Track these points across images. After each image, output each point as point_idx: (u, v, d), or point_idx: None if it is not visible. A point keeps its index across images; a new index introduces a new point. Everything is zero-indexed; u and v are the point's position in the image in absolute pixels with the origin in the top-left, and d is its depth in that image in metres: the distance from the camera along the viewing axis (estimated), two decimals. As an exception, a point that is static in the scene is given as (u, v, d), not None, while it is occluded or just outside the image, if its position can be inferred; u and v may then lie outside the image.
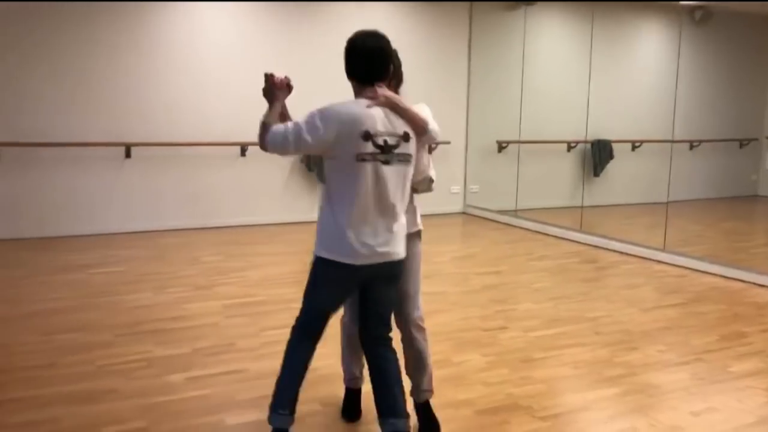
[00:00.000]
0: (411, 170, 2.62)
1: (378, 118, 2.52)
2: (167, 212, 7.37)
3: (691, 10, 8.83)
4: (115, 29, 6.93)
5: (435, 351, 3.91)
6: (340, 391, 3.22)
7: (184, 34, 7.24)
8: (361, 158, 2.48)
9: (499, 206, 8.59)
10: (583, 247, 7.01)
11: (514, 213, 8.39)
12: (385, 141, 2.51)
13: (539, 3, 8.48)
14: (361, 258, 2.55)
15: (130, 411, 3.12)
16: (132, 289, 5.10)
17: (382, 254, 2.58)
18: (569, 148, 8.90)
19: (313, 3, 7.68)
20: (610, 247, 6.89)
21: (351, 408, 3.11)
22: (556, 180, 8.92)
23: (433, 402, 3.06)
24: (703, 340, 4.24)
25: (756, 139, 9.39)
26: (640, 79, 9.26)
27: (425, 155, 2.82)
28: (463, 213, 9.02)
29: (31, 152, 6.71)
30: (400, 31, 8.19)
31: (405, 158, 2.58)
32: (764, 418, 3.18)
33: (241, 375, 3.56)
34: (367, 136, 2.48)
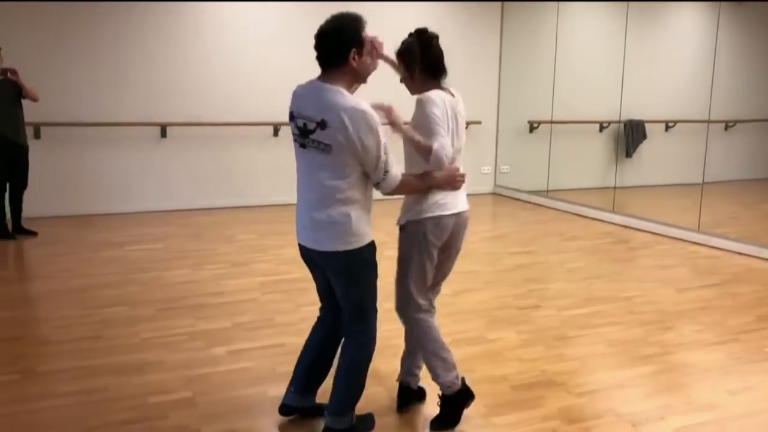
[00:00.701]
0: (330, 160, 2.43)
1: (304, 100, 2.50)
2: (202, 191, 7.48)
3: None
4: (152, 14, 7.01)
5: (468, 328, 4.00)
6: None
7: (217, 17, 7.30)
8: (293, 138, 2.56)
9: (531, 187, 8.56)
10: (616, 228, 6.98)
11: (546, 193, 8.36)
12: (304, 124, 2.47)
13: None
14: (299, 237, 2.63)
15: (176, 382, 3.23)
16: (170, 266, 5.21)
17: (306, 239, 2.59)
18: (601, 129, 8.82)
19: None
20: (643, 228, 6.85)
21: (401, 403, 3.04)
22: (588, 160, 8.85)
23: (471, 378, 3.11)
24: (739, 321, 4.22)
25: (794, 119, 9.21)
26: (675, 58, 9.11)
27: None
28: (494, 193, 9.01)
29: (69, 131, 6.86)
30: (432, 12, 8.16)
31: (319, 146, 2.44)
32: (802, 398, 3.18)
33: (281, 349, 3.65)
34: (292, 117, 2.54)
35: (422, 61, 2.71)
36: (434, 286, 2.91)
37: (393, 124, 2.63)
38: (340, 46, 2.44)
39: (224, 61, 7.38)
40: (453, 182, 2.75)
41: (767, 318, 4.28)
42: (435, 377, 2.82)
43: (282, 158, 7.70)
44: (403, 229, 2.77)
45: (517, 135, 8.84)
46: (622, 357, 3.65)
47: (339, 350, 2.76)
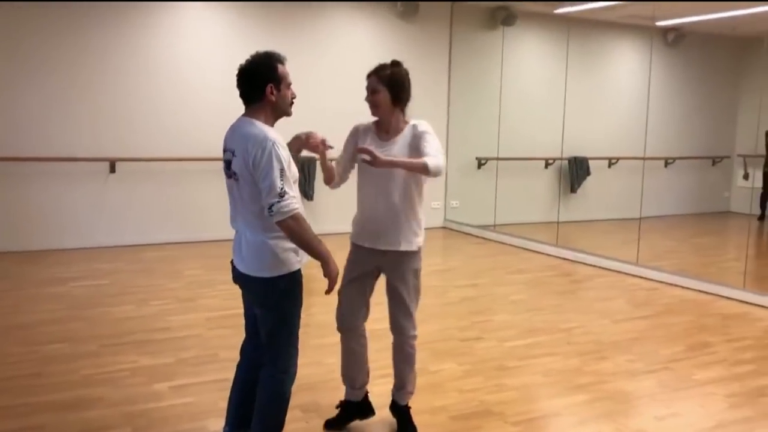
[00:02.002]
0: (241, 187, 2.54)
1: (228, 135, 2.65)
2: (151, 227, 7.45)
3: (664, 32, 9.14)
4: (99, 47, 7.05)
5: (412, 360, 4.06)
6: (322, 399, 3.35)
7: (168, 51, 7.37)
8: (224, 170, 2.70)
9: (479, 221, 8.76)
10: (559, 261, 7.19)
11: (493, 228, 8.57)
12: (228, 157, 2.62)
13: (517, 24, 8.72)
14: (234, 256, 2.73)
15: (117, 418, 3.22)
16: (116, 302, 5.18)
17: (236, 260, 2.70)
18: (547, 165, 9.13)
19: (298, 22, 7.86)
20: (585, 261, 7.07)
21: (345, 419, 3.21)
22: (534, 196, 9.13)
23: (412, 408, 3.19)
24: (670, 350, 4.41)
25: (728, 157, 9.69)
26: (615, 98, 9.54)
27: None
28: (444, 228, 9.18)
29: (15, 167, 6.78)
30: (382, 50, 8.38)
31: (234, 176, 2.57)
32: (724, 422, 3.34)
33: (224, 384, 3.63)
34: (224, 150, 2.67)
35: (408, 93, 2.94)
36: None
37: (380, 162, 2.70)
38: (257, 82, 2.59)
39: (174, 96, 7.43)
40: (331, 276, 2.57)
41: (696, 347, 4.47)
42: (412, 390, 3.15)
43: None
44: (409, 254, 3.00)
45: (465, 171, 9.07)
46: (559, 386, 3.78)
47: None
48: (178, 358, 4.03)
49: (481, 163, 8.95)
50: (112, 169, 7.18)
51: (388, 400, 3.21)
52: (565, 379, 3.87)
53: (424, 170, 2.74)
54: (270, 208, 2.42)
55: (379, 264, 3.02)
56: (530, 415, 3.40)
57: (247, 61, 2.66)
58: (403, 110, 2.95)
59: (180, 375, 3.78)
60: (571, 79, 8.06)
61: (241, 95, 2.65)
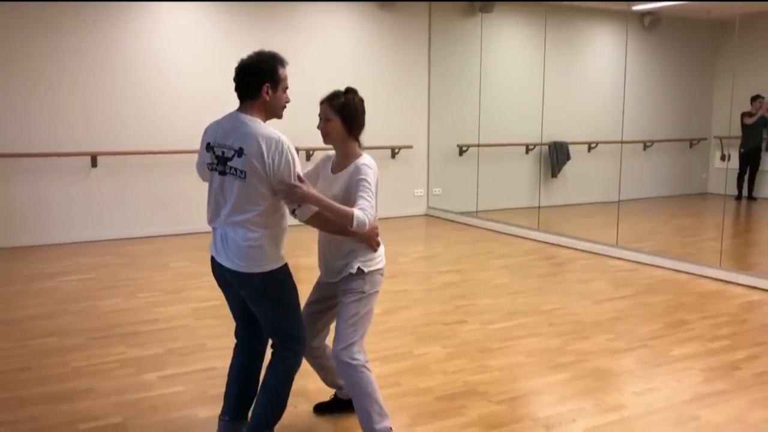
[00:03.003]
0: (245, 186, 2.57)
1: (222, 130, 2.64)
2: (136, 220, 7.46)
3: (641, 16, 9.24)
4: (80, 41, 7.02)
5: (397, 345, 4.16)
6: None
7: (149, 45, 7.35)
8: (209, 167, 2.70)
9: (461, 208, 8.85)
10: (541, 245, 7.29)
11: (475, 214, 8.66)
12: (223, 152, 2.61)
13: (495, 11, 8.78)
14: (216, 255, 2.72)
15: (107, 408, 3.27)
16: (103, 296, 5.21)
17: (221, 259, 2.68)
18: (527, 151, 9.22)
19: (277, 13, 7.87)
20: (566, 245, 7.18)
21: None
22: (515, 181, 9.23)
23: (397, 390, 3.27)
24: (649, 328, 4.52)
25: (705, 139, 9.83)
26: (594, 83, 9.64)
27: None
28: (427, 215, 9.26)
29: (-3, 163, 6.77)
30: (363, 40, 8.41)
31: (236, 172, 2.57)
32: (699, 395, 3.46)
33: (213, 372, 3.73)
34: (209, 147, 2.68)
35: (361, 122, 2.84)
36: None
37: (307, 197, 2.61)
38: (255, 80, 2.60)
39: (155, 89, 7.43)
40: (372, 240, 2.82)
41: (674, 325, 4.59)
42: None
43: (216, 185, 7.75)
44: (361, 274, 2.81)
45: (447, 158, 9.14)
46: (541, 366, 3.87)
47: (264, 368, 2.84)
48: (167, 349, 4.08)
49: (462, 150, 9.03)
50: (94, 164, 7.17)
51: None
52: (547, 359, 3.97)
53: (349, 223, 2.60)
54: (294, 211, 2.63)
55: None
56: (513, 393, 3.49)
57: (249, 56, 2.65)
58: (356, 139, 2.86)
59: (169, 365, 3.83)
60: (549, 65, 8.14)
61: (237, 89, 2.65)
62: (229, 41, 7.56)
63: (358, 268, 2.81)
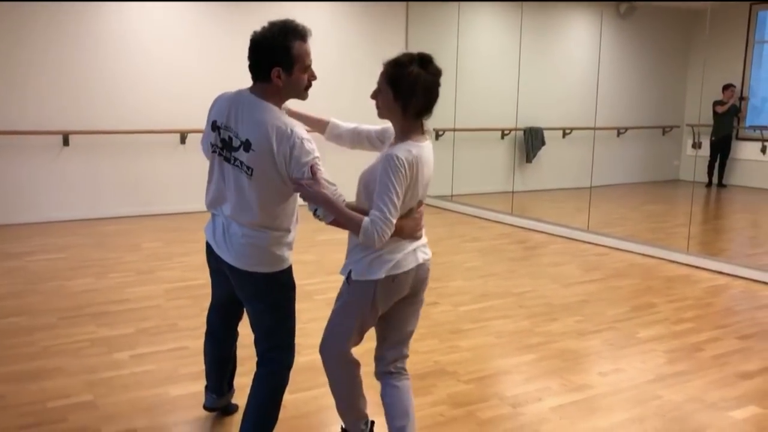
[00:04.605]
0: (252, 183, 2.32)
1: (231, 112, 2.35)
2: (107, 200, 7.38)
3: (616, 4, 9.31)
4: (52, 17, 6.89)
5: (369, 325, 4.18)
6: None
7: (123, 22, 7.24)
8: (212, 148, 2.43)
9: (436, 192, 8.88)
10: (514, 229, 7.36)
11: (450, 198, 8.70)
12: (230, 138, 2.34)
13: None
14: (213, 245, 2.52)
15: (77, 386, 3.26)
16: (73, 275, 5.16)
17: (221, 252, 2.47)
18: (503, 136, 9.28)
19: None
20: (539, 229, 7.26)
21: None
22: (490, 166, 9.29)
23: (368, 370, 3.28)
24: (616, 311, 4.61)
25: (678, 127, 9.98)
26: (569, 70, 9.71)
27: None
28: (402, 199, 9.27)
29: (-36, 141, 6.65)
30: (337, 24, 8.36)
31: (242, 166, 2.32)
32: (661, 376, 3.55)
33: (184, 351, 3.73)
34: (214, 127, 2.40)
35: (420, 100, 2.31)
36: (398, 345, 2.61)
37: (317, 198, 2.29)
38: (263, 62, 2.29)
39: (128, 67, 7.32)
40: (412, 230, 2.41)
41: (641, 308, 4.69)
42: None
43: (189, 166, 7.68)
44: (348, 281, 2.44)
45: (423, 142, 9.15)
46: (510, 347, 3.93)
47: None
48: (138, 329, 4.07)
49: (438, 134, 9.04)
50: (66, 143, 7.07)
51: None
52: (516, 340, 4.03)
53: (358, 235, 2.26)
54: (315, 211, 2.31)
55: None
56: (481, 373, 3.55)
57: (259, 31, 2.29)
58: (415, 118, 2.34)
59: (140, 344, 3.82)
60: (525, 51, 8.18)
61: (249, 68, 2.35)
62: (206, 20, 7.47)
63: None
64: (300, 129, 2.33)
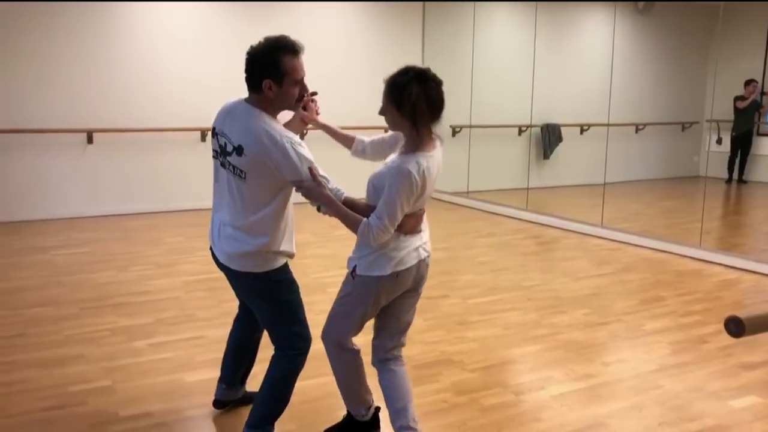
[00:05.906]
0: (245, 186, 2.43)
1: (228, 119, 2.49)
2: (130, 196, 7.59)
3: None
4: (77, 17, 7.10)
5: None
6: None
7: (145, 22, 7.43)
8: (213, 153, 2.60)
9: (453, 188, 8.97)
10: (529, 225, 7.42)
11: (466, 194, 8.78)
12: (225, 143, 2.46)
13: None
14: (213, 245, 2.65)
15: (96, 372, 3.42)
16: (96, 268, 5.35)
17: (216, 251, 2.61)
18: (520, 132, 9.32)
19: (270, -8, 7.95)
20: (553, 224, 7.31)
21: None
22: (507, 163, 9.33)
23: (365, 360, 3.39)
24: (624, 304, 4.67)
25: (697, 122, 9.91)
26: (587, 66, 9.71)
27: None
28: (419, 195, 9.36)
29: (-6, 139, 6.89)
30: (356, 22, 8.48)
31: (234, 171, 2.43)
32: (664, 366, 3.61)
33: (201, 341, 3.88)
34: (214, 133, 2.54)
35: (424, 114, 2.42)
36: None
37: (322, 198, 2.43)
38: (255, 75, 2.41)
39: (150, 66, 7.51)
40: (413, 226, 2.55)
41: (649, 301, 4.74)
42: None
43: (210, 163, 7.82)
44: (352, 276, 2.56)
45: (440, 139, 9.23)
46: (516, 338, 4.02)
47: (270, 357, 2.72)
48: (157, 319, 4.23)
49: (455, 131, 9.12)
50: (90, 140, 7.28)
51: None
52: (522, 332, 4.11)
53: (353, 231, 2.43)
54: (319, 208, 2.46)
55: None
56: (487, 363, 3.64)
57: (255, 45, 2.42)
58: (423, 129, 2.42)
59: (158, 333, 3.98)
60: (542, 47, 8.22)
61: (245, 80, 2.46)
62: (225, 20, 7.63)
63: None
64: (290, 134, 2.42)
